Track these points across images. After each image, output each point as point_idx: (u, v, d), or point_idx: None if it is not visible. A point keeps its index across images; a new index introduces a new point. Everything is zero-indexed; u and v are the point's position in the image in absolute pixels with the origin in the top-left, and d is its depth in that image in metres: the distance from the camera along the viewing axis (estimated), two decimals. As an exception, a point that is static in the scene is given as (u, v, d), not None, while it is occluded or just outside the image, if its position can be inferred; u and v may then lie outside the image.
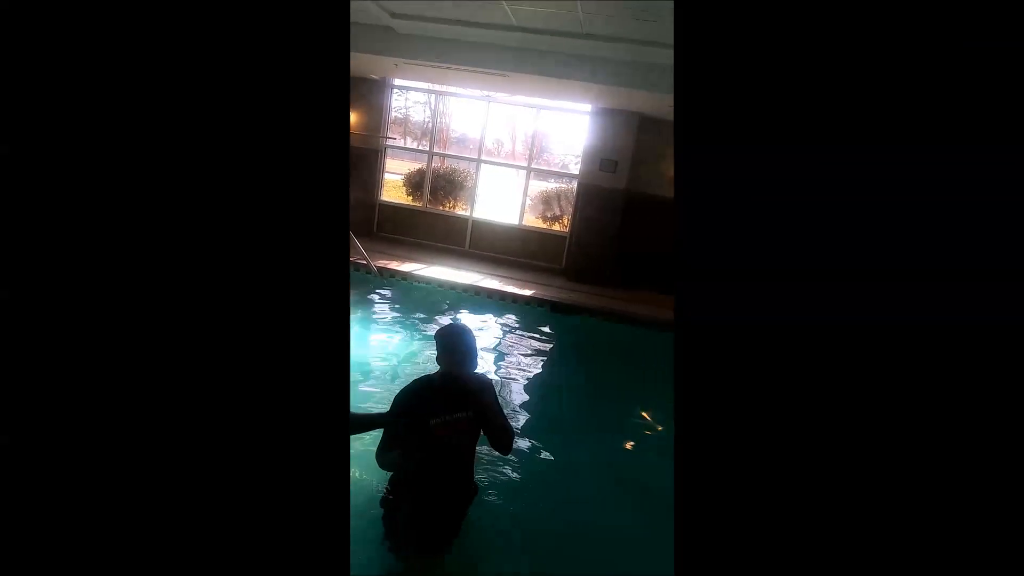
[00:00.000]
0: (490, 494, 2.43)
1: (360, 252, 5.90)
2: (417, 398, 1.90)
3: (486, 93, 7.30)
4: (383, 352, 4.23)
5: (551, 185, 7.94)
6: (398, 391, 1.96)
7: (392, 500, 1.94)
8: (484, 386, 2.01)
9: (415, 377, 2.03)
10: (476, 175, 7.70)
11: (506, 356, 4.52)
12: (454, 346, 1.88)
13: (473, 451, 2.02)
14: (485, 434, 1.98)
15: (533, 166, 7.58)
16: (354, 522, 2.06)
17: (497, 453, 2.10)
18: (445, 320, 5.03)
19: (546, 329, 5.21)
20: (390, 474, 1.98)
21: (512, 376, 4.10)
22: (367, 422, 1.96)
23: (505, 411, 2.12)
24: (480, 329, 5.03)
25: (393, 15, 5.22)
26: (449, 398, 1.89)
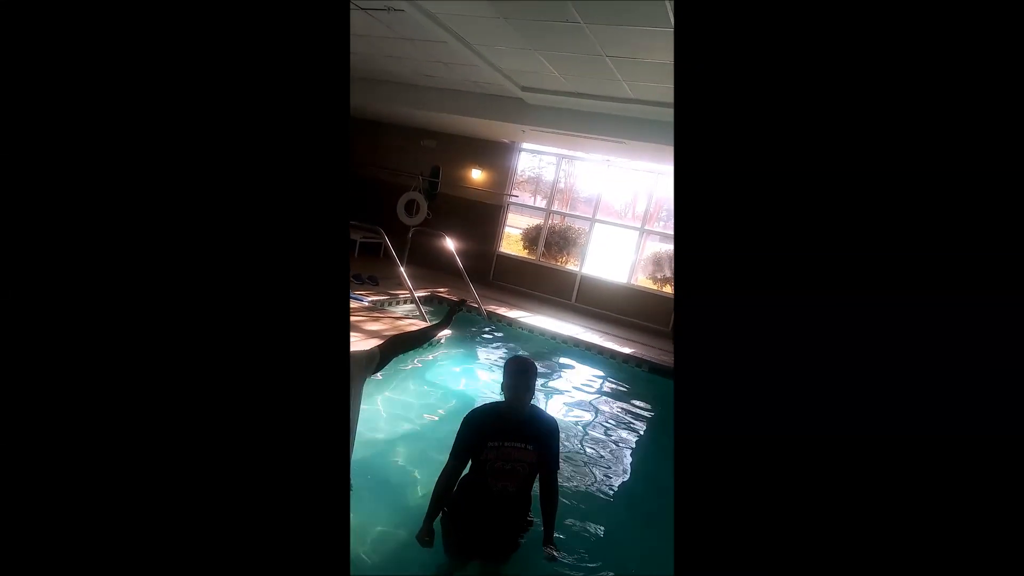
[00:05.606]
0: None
1: (473, 296, 6.44)
2: (481, 420, 2.13)
3: (606, 158, 7.69)
4: (477, 383, 4.58)
5: (665, 247, 7.96)
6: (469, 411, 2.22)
7: (450, 510, 2.17)
8: (551, 429, 2.18)
9: (486, 402, 2.28)
10: (589, 233, 8.04)
11: (588, 407, 4.59)
12: (518, 379, 2.07)
13: (529, 484, 2.16)
14: (539, 477, 2.14)
15: (646, 228, 7.70)
16: (412, 521, 2.29)
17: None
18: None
19: (640, 389, 5.18)
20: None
21: (589, 427, 4.16)
22: None
23: (575, 459, 2.16)
24: (562, 377, 5.17)
25: (523, 88, 5.88)
26: (509, 427, 2.09)
